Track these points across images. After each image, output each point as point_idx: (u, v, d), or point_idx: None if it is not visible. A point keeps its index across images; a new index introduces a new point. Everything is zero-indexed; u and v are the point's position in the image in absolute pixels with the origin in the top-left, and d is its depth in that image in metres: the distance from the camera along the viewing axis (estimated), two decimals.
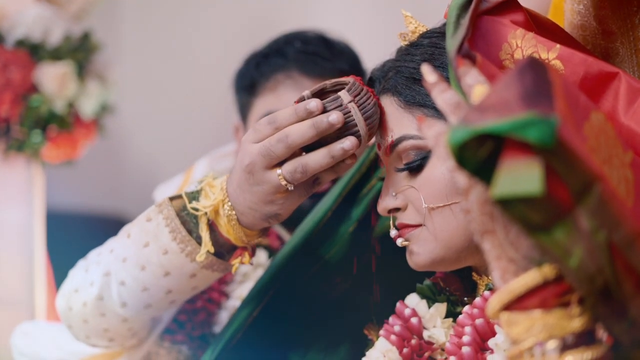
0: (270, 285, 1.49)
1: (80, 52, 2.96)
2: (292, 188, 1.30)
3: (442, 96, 1.02)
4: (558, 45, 1.16)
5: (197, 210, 1.39)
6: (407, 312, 1.33)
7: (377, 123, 1.29)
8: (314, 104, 1.27)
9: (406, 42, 1.31)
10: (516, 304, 0.94)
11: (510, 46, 1.17)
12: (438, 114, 1.23)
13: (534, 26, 1.20)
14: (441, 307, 1.33)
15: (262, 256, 1.92)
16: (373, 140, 1.32)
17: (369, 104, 1.27)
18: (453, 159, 0.91)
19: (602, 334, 0.94)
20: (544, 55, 1.15)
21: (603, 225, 0.89)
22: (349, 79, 1.29)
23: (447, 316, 1.33)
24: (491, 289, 1.24)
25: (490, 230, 0.95)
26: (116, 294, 1.48)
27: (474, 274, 1.31)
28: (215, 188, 1.38)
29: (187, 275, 1.42)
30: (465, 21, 1.13)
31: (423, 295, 1.35)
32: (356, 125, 1.26)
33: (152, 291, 1.45)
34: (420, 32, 1.30)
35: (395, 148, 1.27)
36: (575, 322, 0.92)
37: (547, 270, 0.92)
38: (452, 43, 1.11)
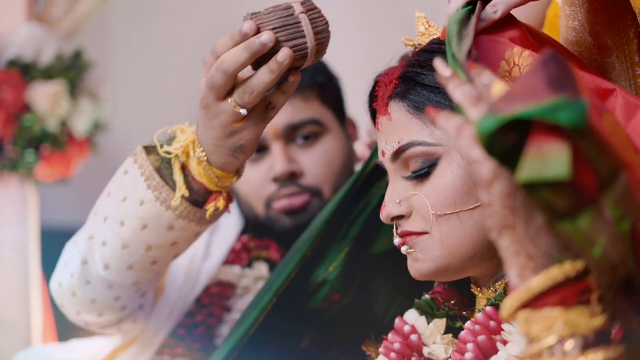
0: (267, 304, 1.48)
1: (72, 70, 2.96)
2: (245, 112, 1.29)
3: (461, 89, 0.98)
4: None
5: (169, 153, 1.38)
6: (406, 328, 1.32)
7: (326, 42, 1.27)
8: (247, 25, 1.25)
9: (411, 44, 1.30)
10: (535, 301, 0.91)
11: (507, 64, 1.16)
12: None
13: (533, 41, 1.20)
14: (440, 323, 1.31)
15: (262, 269, 1.92)
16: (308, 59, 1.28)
17: (320, 20, 1.26)
18: (482, 148, 0.90)
19: (614, 333, 0.92)
20: None
21: (627, 214, 0.88)
22: None
23: (446, 332, 1.31)
24: (493, 304, 1.24)
25: (510, 225, 0.93)
26: (99, 255, 1.47)
27: (473, 286, 1.30)
28: (186, 132, 1.38)
29: (164, 226, 1.41)
30: (470, 31, 1.12)
31: (422, 311, 1.33)
32: (305, 37, 1.25)
33: (132, 247, 1.44)
34: (431, 34, 1.28)
35: (403, 154, 1.25)
36: (596, 319, 0.90)
37: (568, 268, 0.91)
38: (459, 49, 1.09)
